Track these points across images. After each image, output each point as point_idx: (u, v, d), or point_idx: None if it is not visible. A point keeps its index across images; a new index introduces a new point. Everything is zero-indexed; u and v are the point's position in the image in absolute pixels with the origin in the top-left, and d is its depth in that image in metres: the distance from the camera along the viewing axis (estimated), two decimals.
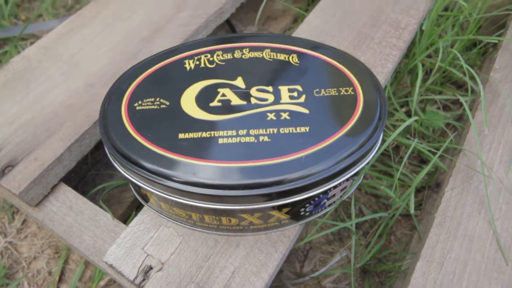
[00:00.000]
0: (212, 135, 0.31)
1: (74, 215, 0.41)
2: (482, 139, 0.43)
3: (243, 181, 0.28)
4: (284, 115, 0.32)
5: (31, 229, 0.58)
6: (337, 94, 0.34)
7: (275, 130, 0.31)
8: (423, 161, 0.64)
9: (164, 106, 0.33)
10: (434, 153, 0.55)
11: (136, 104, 0.33)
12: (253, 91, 0.34)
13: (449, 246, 0.36)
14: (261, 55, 0.37)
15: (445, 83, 0.70)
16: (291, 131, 0.31)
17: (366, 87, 0.34)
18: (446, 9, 0.68)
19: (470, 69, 0.46)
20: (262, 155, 0.29)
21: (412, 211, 0.38)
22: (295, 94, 0.34)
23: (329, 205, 0.35)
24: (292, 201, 0.30)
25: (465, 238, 0.36)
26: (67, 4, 0.88)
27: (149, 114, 0.32)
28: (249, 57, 0.37)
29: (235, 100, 0.33)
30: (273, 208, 0.31)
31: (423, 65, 0.66)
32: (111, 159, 0.33)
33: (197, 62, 0.36)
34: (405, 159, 0.41)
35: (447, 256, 0.35)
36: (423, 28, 0.59)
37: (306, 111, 0.33)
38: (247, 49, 0.38)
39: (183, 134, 0.31)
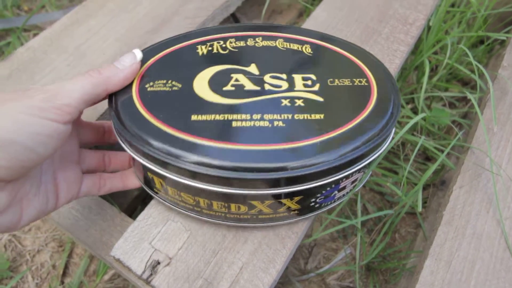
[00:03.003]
0: (226, 118, 0.31)
1: (81, 209, 0.40)
2: (490, 137, 0.43)
3: (256, 164, 0.28)
4: (299, 102, 0.32)
5: (35, 222, 0.58)
6: (350, 84, 0.34)
7: (290, 116, 0.31)
8: (428, 159, 0.64)
9: (176, 88, 0.33)
10: (440, 150, 0.55)
11: (147, 86, 0.33)
12: (267, 78, 0.34)
13: (458, 245, 0.36)
14: (274, 44, 0.37)
15: (451, 80, 0.70)
16: (305, 118, 0.31)
17: (380, 80, 0.34)
18: (453, 5, 0.67)
19: (480, 66, 0.46)
20: (276, 140, 0.29)
21: (419, 209, 0.37)
22: (309, 82, 0.34)
23: (339, 198, 0.35)
24: (304, 189, 0.30)
25: (473, 236, 0.36)
26: None
27: (160, 96, 0.32)
28: (262, 46, 0.37)
29: (249, 86, 0.33)
30: (285, 195, 0.30)
31: (429, 62, 0.66)
32: (119, 139, 0.33)
33: (210, 48, 0.36)
34: (412, 157, 0.40)
35: (455, 255, 0.35)
36: (431, 24, 0.59)
37: (320, 99, 0.33)
38: (260, 38, 0.37)
39: (196, 116, 0.31)
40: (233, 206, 0.32)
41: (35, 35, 0.79)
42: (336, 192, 0.33)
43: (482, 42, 0.71)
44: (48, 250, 0.56)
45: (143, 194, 0.59)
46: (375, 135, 0.31)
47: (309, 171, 0.28)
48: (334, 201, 0.35)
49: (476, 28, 0.60)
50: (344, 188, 0.33)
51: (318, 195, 0.32)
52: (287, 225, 0.36)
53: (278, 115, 0.31)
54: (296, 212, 0.33)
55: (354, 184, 0.34)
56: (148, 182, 0.35)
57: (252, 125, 0.30)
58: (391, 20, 0.54)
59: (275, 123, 0.30)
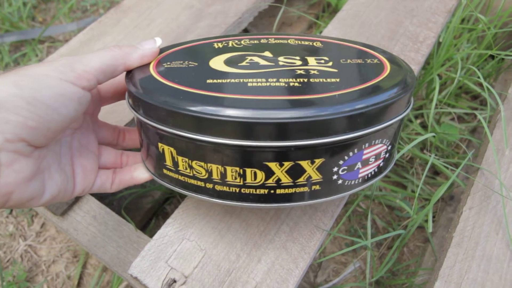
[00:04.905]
0: (241, 81, 0.31)
1: (98, 225, 0.42)
2: (500, 157, 0.43)
3: (274, 111, 0.28)
4: (313, 72, 0.33)
5: (50, 233, 0.60)
6: (363, 62, 0.35)
7: (306, 80, 0.32)
8: (437, 173, 0.65)
9: (192, 65, 0.34)
10: (448, 167, 0.55)
11: (164, 64, 0.34)
12: (281, 58, 0.35)
13: (467, 267, 0.36)
14: (286, 42, 0.39)
15: (460, 94, 0.71)
16: (321, 81, 0.32)
17: (392, 61, 0.35)
18: (462, 21, 0.68)
19: (491, 88, 0.47)
20: (294, 93, 0.30)
21: (430, 230, 0.38)
22: (322, 61, 0.35)
23: (363, 180, 0.34)
24: (323, 144, 0.29)
25: (483, 259, 0.37)
26: (83, 6, 0.89)
27: (177, 69, 0.33)
28: (275, 42, 0.39)
29: (264, 63, 0.35)
30: (305, 155, 0.30)
31: (440, 77, 0.66)
32: (131, 107, 0.33)
33: (225, 44, 0.38)
34: (423, 177, 0.41)
35: (465, 277, 0.36)
36: (441, 40, 0.59)
37: (335, 70, 0.34)
38: (273, 38, 0.39)
39: (211, 80, 0.32)
40: (248, 172, 0.30)
41: (49, 47, 0.81)
42: (359, 165, 0.32)
43: (492, 57, 0.71)
44: (63, 261, 0.57)
45: (155, 208, 0.60)
46: (394, 94, 0.30)
47: (328, 117, 0.28)
48: (358, 182, 0.33)
49: (486, 44, 0.61)
50: (367, 163, 0.32)
51: (341, 161, 0.31)
52: (300, 246, 0.37)
53: (294, 79, 0.32)
54: (317, 186, 0.32)
55: (377, 162, 0.33)
56: (158, 162, 0.34)
57: (268, 85, 0.31)
58: (401, 38, 0.55)
59: (291, 84, 0.31)
